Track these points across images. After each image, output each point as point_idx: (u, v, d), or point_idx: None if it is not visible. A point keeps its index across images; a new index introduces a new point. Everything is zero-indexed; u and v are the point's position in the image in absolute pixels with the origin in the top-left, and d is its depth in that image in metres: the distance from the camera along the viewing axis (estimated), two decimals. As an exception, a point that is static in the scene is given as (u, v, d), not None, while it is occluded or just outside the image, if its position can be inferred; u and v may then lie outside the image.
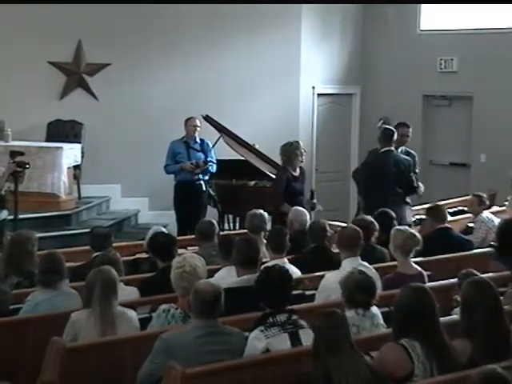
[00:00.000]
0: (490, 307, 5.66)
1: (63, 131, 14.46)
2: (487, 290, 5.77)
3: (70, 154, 13.51)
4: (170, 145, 12.35)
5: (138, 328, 6.43)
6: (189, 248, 8.90)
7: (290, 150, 10.95)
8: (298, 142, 11.15)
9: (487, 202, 11.26)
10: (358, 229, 7.99)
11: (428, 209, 9.82)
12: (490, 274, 7.08)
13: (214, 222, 9.13)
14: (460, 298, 5.89)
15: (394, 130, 11.13)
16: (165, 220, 13.07)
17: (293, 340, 5.85)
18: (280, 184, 10.94)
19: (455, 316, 6.38)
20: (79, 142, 14.14)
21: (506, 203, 11.46)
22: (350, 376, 5.03)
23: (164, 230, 8.88)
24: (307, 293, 7.25)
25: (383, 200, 10.12)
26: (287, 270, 6.44)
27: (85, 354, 5.91)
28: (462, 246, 9.38)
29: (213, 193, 12.75)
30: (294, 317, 5.96)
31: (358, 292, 6.19)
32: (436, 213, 9.57)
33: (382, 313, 6.36)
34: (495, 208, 11.66)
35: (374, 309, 6.31)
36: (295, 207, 9.92)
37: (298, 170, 11.01)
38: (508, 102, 14.68)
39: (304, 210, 9.85)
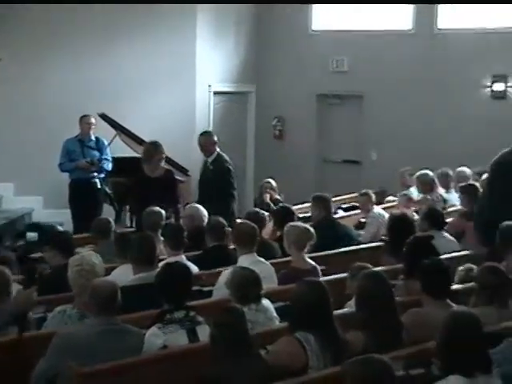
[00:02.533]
0: (384, 299, 5.77)
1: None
2: (382, 283, 5.89)
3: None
4: (64, 143, 12.19)
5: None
6: (86, 246, 8.78)
7: None
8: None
9: (377, 198, 11.49)
10: (254, 225, 8.03)
11: (313, 199, 9.89)
12: (382, 267, 7.15)
13: (111, 219, 9.06)
14: (356, 291, 5.97)
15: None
16: (60, 219, 12.87)
17: (190, 336, 5.87)
18: None
19: (348, 309, 6.47)
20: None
21: (397, 199, 11.65)
22: (247, 372, 5.05)
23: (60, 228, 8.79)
24: (205, 289, 7.23)
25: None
26: (188, 267, 6.43)
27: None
28: (348, 236, 9.60)
29: (109, 191, 12.62)
30: (192, 313, 5.96)
31: (246, 288, 6.22)
32: (321, 204, 9.71)
33: (278, 307, 6.40)
34: (386, 204, 11.83)
35: (266, 302, 6.36)
36: (192, 205, 9.89)
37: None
38: (397, 100, 14.96)
39: (201, 207, 9.85)
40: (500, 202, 8.36)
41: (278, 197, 11.88)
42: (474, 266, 7.46)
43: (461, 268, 7.28)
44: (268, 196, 11.78)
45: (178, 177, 12.04)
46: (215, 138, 11.11)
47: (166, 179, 10.51)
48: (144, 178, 10.48)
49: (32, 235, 11.76)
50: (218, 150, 11.06)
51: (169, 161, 12.46)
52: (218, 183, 10.84)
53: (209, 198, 10.22)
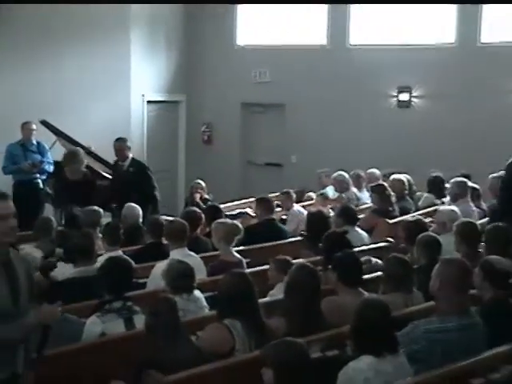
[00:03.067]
0: (311, 289, 5.79)
1: None
2: (312, 274, 5.91)
3: None
4: (7, 147, 12.10)
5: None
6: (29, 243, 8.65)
7: None
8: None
9: (296, 197, 11.56)
10: (185, 222, 8.04)
11: (257, 201, 9.89)
12: (301, 260, 7.20)
13: (52, 218, 8.98)
14: (287, 280, 5.96)
15: None
16: None
17: (127, 324, 5.85)
18: None
19: (271, 297, 6.51)
20: None
21: (314, 198, 11.73)
22: (179, 356, 5.05)
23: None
24: (140, 281, 7.20)
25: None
26: (129, 261, 6.41)
27: None
28: (283, 234, 9.59)
29: (50, 191, 12.46)
30: (129, 303, 5.95)
31: (181, 279, 6.22)
32: (265, 205, 9.71)
33: (208, 297, 6.40)
34: (305, 202, 11.90)
35: (197, 292, 6.36)
36: (128, 203, 9.84)
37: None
38: (315, 109, 15.05)
39: (137, 206, 9.82)
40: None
41: (207, 196, 11.85)
42: (372, 258, 7.60)
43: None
44: (198, 196, 11.74)
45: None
46: (129, 144, 11.29)
47: (84, 182, 10.58)
48: (64, 180, 10.71)
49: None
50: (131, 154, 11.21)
51: (106, 164, 12.44)
52: (140, 185, 10.92)
53: (130, 198, 10.14)
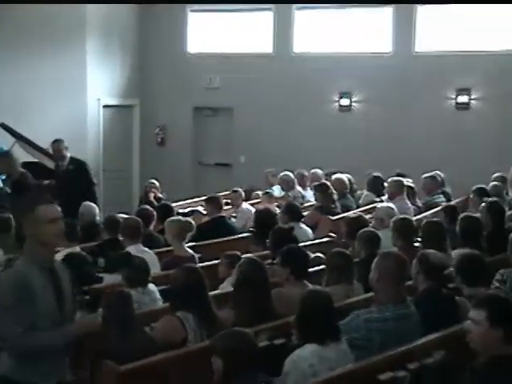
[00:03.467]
0: (259, 282, 5.80)
1: None
2: (260, 268, 5.92)
3: None
4: None
5: None
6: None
7: None
8: None
9: (245, 195, 11.58)
10: (139, 219, 8.01)
11: (207, 199, 9.89)
12: (250, 254, 7.20)
13: (11, 216, 8.84)
14: (237, 274, 5.96)
15: None
16: None
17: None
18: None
19: (221, 290, 6.50)
20: None
21: (261, 196, 11.75)
22: (134, 346, 5.04)
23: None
24: (100, 275, 7.14)
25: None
26: (88, 257, 6.39)
27: None
28: (233, 230, 9.62)
29: (9, 190, 12.28)
30: (87, 297, 5.85)
31: (136, 273, 6.19)
32: (214, 203, 9.73)
33: (161, 290, 6.37)
34: (253, 200, 11.91)
35: (152, 286, 6.34)
36: (85, 202, 9.76)
37: None
38: (262, 112, 15.09)
39: (94, 204, 9.75)
40: None
41: (161, 195, 11.80)
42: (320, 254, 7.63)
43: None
44: (152, 195, 11.68)
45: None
46: (66, 144, 11.27)
47: (18, 181, 10.45)
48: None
49: None
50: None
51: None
52: (80, 181, 10.93)
53: (73, 195, 10.08)
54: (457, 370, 4.70)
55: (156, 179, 12.27)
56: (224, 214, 9.86)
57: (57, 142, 11.29)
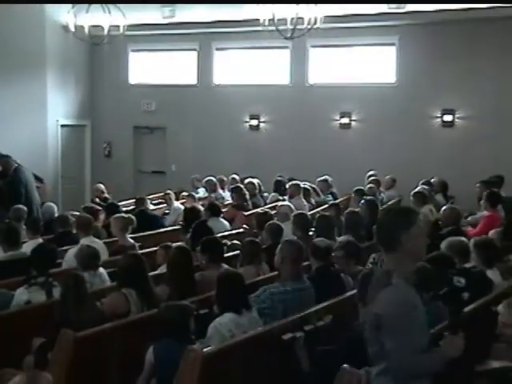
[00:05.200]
0: (185, 264, 5.80)
1: None
2: (186, 253, 5.91)
3: None
4: None
5: None
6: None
7: None
8: None
9: (176, 196, 11.51)
10: (90, 216, 7.91)
11: (136, 200, 9.97)
12: (179, 243, 7.15)
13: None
14: (168, 258, 6.00)
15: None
16: None
17: (48, 294, 5.74)
18: None
19: (158, 271, 6.45)
20: None
21: (185, 196, 11.62)
22: (86, 317, 4.97)
23: None
24: (58, 261, 6.99)
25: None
26: (55, 248, 6.40)
27: None
28: (157, 221, 9.74)
29: None
30: (50, 279, 5.84)
31: (89, 259, 6.11)
32: (141, 201, 9.98)
33: (109, 272, 6.29)
34: (182, 200, 11.85)
35: (101, 269, 6.26)
36: (47, 203, 9.57)
37: None
38: (189, 131, 15.06)
39: (52, 203, 9.58)
40: None
41: (107, 196, 11.62)
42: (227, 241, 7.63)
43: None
44: (97, 194, 11.58)
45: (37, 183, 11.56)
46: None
47: None
48: None
49: None
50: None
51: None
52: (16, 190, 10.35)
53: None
54: (341, 330, 4.80)
55: (103, 183, 12.11)
56: (143, 208, 10.03)
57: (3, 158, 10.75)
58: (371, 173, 11.83)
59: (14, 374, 3.73)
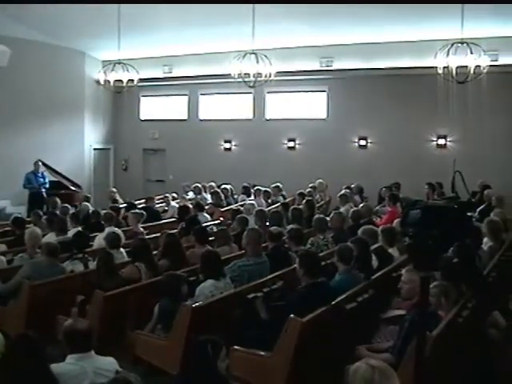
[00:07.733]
0: (175, 244, 5.72)
1: None
2: (174, 237, 5.87)
3: None
4: (26, 174, 11.69)
5: None
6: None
7: None
8: None
9: (173, 198, 11.43)
10: (113, 212, 7.79)
11: (146, 200, 9.86)
12: (174, 231, 7.13)
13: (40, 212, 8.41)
14: (163, 242, 5.84)
15: None
16: (20, 211, 11.43)
17: (85, 266, 5.71)
18: None
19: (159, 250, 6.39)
20: None
21: (179, 198, 11.52)
22: (114, 282, 4.92)
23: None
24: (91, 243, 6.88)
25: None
26: (88, 233, 6.43)
27: None
28: (159, 215, 9.58)
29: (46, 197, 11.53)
30: (86, 255, 5.83)
31: (114, 241, 5.98)
32: (150, 200, 9.91)
33: (126, 251, 6.16)
34: (177, 200, 11.78)
35: (122, 249, 6.14)
36: (83, 203, 9.38)
37: None
38: (182, 151, 14.92)
39: (87, 203, 9.40)
40: None
41: (117, 198, 11.34)
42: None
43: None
44: (112, 196, 11.35)
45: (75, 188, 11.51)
46: None
47: None
48: None
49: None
50: None
51: (73, 184, 12.14)
52: None
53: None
54: (288, 292, 4.85)
55: (116, 189, 12.03)
56: (149, 205, 9.89)
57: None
58: (311, 183, 11.85)
59: (64, 319, 3.71)
